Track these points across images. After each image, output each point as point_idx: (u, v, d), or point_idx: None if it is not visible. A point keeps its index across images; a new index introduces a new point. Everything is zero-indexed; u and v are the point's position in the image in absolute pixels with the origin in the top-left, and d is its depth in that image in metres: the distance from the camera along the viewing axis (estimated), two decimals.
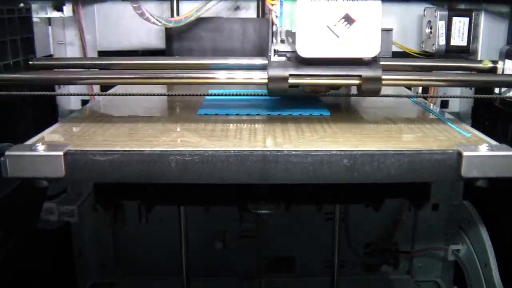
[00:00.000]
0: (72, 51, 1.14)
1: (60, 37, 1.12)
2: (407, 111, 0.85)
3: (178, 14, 1.06)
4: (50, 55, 1.09)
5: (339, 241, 1.10)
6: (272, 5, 0.68)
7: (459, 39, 1.00)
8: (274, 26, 0.71)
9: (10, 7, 0.87)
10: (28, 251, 0.94)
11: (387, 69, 0.68)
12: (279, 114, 0.77)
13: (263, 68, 0.70)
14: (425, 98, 1.00)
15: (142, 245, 1.26)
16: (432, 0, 1.06)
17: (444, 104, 1.15)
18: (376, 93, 0.67)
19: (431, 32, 1.03)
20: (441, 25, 1.00)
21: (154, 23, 0.89)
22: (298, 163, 0.59)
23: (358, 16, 0.64)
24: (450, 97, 1.11)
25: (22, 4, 0.91)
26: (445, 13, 0.99)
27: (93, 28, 1.14)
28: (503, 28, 0.93)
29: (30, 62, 0.90)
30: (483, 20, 0.99)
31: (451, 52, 1.01)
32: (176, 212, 1.03)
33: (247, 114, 0.77)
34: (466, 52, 1.01)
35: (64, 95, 1.11)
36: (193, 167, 0.59)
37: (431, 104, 0.89)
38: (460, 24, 1.00)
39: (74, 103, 1.17)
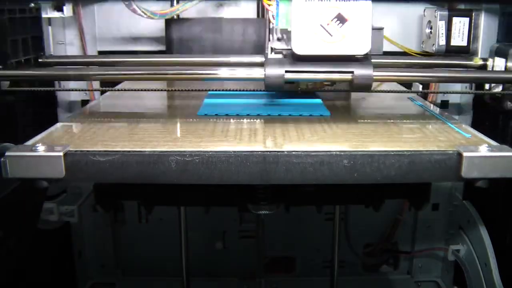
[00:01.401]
0: (72, 51, 1.14)
1: (60, 37, 1.12)
2: (407, 111, 0.85)
3: None
4: (50, 55, 1.09)
5: (339, 241, 1.10)
6: (269, 5, 0.71)
7: (459, 39, 1.00)
8: (271, 25, 0.74)
9: (22, 7, 0.91)
10: (28, 251, 0.94)
11: (382, 66, 0.70)
12: (279, 115, 0.77)
13: (261, 65, 0.73)
14: (424, 97, 1.00)
15: (142, 245, 1.26)
16: (432, 0, 1.06)
17: (444, 105, 1.15)
18: (367, 88, 0.70)
19: (431, 32, 1.03)
20: (441, 25, 1.00)
21: (140, 14, 0.92)
22: (298, 164, 0.59)
23: (350, 16, 0.66)
24: (447, 92, 1.11)
25: (33, 4, 0.94)
26: (445, 13, 0.99)
27: (93, 28, 1.14)
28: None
29: (40, 60, 0.94)
30: (483, 20, 0.99)
31: (451, 52, 1.01)
32: (176, 212, 1.03)
33: (247, 115, 0.77)
34: (466, 52, 1.01)
35: (67, 90, 1.12)
36: (193, 167, 0.59)
37: (431, 105, 0.89)
38: (460, 24, 1.00)
39: (74, 103, 1.17)
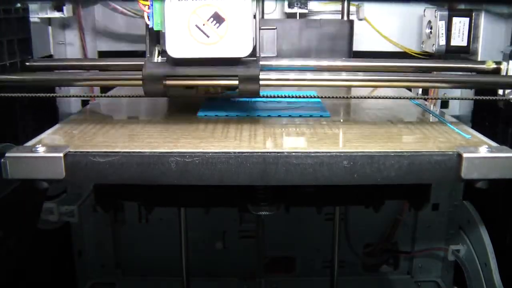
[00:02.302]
0: (72, 51, 1.14)
1: (60, 37, 1.12)
2: (407, 112, 0.85)
3: None
4: (50, 55, 1.09)
5: (339, 241, 1.10)
6: (144, 5, 0.66)
7: (459, 39, 1.00)
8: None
9: (6, 7, 0.86)
10: (28, 251, 0.94)
11: (388, 70, 0.68)
12: (279, 116, 0.77)
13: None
14: (425, 100, 1.00)
15: (142, 245, 1.26)
16: (432, 1, 1.06)
17: (444, 105, 1.15)
18: (255, 93, 0.66)
19: (431, 32, 1.03)
20: (441, 25, 1.00)
21: (132, 16, 0.91)
22: (298, 165, 0.59)
23: (227, 15, 0.62)
24: (451, 98, 1.11)
25: (19, 4, 0.90)
26: (445, 13, 0.99)
27: (93, 28, 1.14)
28: (503, 28, 0.93)
29: (27, 63, 0.89)
30: (483, 20, 0.99)
31: (451, 52, 1.01)
32: (176, 212, 1.03)
33: (247, 116, 0.77)
34: (466, 53, 1.01)
35: (63, 96, 1.10)
36: (193, 168, 0.59)
37: (431, 106, 0.88)
38: (460, 25, 1.00)
39: (74, 104, 1.17)
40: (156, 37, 0.69)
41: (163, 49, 0.68)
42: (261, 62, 0.67)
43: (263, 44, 0.97)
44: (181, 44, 0.63)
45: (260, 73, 0.65)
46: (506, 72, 0.84)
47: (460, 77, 0.79)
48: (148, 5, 0.65)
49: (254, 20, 0.66)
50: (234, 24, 0.62)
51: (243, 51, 0.63)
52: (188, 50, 0.63)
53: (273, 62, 0.79)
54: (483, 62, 0.86)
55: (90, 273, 1.29)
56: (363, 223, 1.22)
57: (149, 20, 0.66)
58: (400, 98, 0.90)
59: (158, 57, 0.69)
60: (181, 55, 0.63)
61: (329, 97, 0.81)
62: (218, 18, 0.62)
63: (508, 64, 0.84)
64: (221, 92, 0.74)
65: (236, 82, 0.65)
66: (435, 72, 0.88)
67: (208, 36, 0.63)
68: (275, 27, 0.83)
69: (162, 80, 0.65)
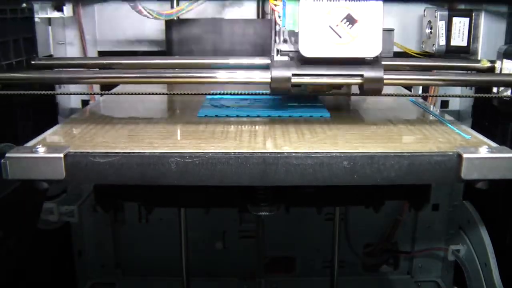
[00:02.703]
0: (72, 51, 1.14)
1: (60, 37, 1.12)
2: (407, 112, 0.85)
3: None
4: (50, 55, 1.09)
5: (339, 241, 1.10)
6: (275, 5, 0.68)
7: (459, 39, 1.00)
8: (277, 26, 0.71)
9: (13, 7, 0.88)
10: (28, 251, 0.94)
11: (388, 69, 0.69)
12: (279, 116, 0.77)
13: (264, 67, 0.70)
14: (425, 98, 1.00)
15: (142, 245, 1.26)
16: (432, 0, 1.06)
17: (444, 104, 1.15)
18: (378, 92, 0.68)
19: (431, 32, 1.03)
20: (441, 25, 1.00)
21: (145, 15, 0.91)
22: (298, 165, 0.59)
23: (360, 17, 0.64)
24: (450, 96, 1.11)
25: (24, 4, 0.91)
26: (445, 13, 0.99)
27: (93, 28, 1.14)
28: (503, 28, 0.93)
29: (32, 62, 0.90)
30: (483, 20, 0.99)
31: (451, 52, 1.01)
32: (176, 212, 1.03)
33: (247, 116, 0.77)
34: (466, 52, 1.00)
35: (64, 94, 1.11)
36: (193, 169, 0.59)
37: (431, 106, 0.88)
38: (460, 25, 1.00)
39: (74, 103, 1.17)
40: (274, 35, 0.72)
41: (280, 48, 0.71)
42: None
43: None
44: (314, 44, 0.65)
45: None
46: (500, 71, 0.85)
47: (459, 75, 0.80)
48: (278, 5, 0.68)
49: None
50: (366, 25, 0.64)
51: (373, 52, 0.65)
52: (320, 49, 0.65)
53: None
54: (478, 61, 0.88)
55: (90, 273, 1.29)
56: (363, 223, 1.22)
57: (279, 19, 0.68)
58: (400, 95, 0.90)
59: (277, 55, 0.71)
60: (314, 54, 0.65)
61: (329, 94, 0.82)
62: (351, 20, 0.64)
63: (502, 62, 0.86)
64: (327, 90, 0.77)
65: (360, 81, 0.67)
66: (435, 71, 0.88)
67: (340, 37, 0.65)
68: (393, 29, 0.87)
69: (290, 79, 0.67)
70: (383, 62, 0.68)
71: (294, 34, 0.69)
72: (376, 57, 0.67)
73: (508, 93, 0.82)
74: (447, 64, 0.89)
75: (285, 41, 0.71)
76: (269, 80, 0.67)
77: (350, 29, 0.64)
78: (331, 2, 0.64)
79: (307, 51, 0.65)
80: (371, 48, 0.65)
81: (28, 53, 0.92)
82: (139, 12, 0.90)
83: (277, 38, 0.72)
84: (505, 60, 0.85)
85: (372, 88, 0.67)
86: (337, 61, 0.66)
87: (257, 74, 0.70)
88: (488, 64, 0.87)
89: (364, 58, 0.66)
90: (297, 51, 0.66)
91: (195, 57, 1.00)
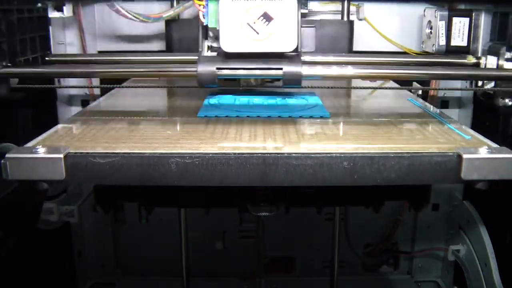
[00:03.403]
0: (72, 51, 1.14)
1: (60, 37, 1.13)
2: (407, 113, 0.85)
3: None
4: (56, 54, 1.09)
5: (339, 241, 1.10)
6: (200, 5, 0.74)
7: (459, 39, 1.00)
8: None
9: (30, 7, 0.94)
10: (28, 251, 0.94)
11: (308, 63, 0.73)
12: (279, 116, 0.77)
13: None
14: (425, 98, 1.00)
15: (142, 245, 1.26)
16: (432, 0, 1.06)
17: (444, 104, 1.15)
18: (298, 83, 0.72)
19: (431, 32, 1.03)
20: (441, 25, 1.00)
21: (131, 19, 0.94)
22: (298, 166, 0.59)
23: (275, 14, 0.69)
24: (447, 89, 1.12)
25: (40, 4, 0.97)
26: (445, 13, 0.99)
27: (93, 28, 1.14)
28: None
29: (47, 58, 0.99)
30: (483, 20, 0.99)
31: (451, 52, 1.01)
32: (176, 212, 1.04)
33: (247, 116, 0.77)
34: (466, 53, 1.00)
35: (79, 87, 1.16)
36: (193, 169, 0.59)
37: (431, 106, 0.89)
38: (460, 25, 1.00)
39: (74, 103, 1.17)
40: (205, 33, 0.78)
41: (211, 45, 0.77)
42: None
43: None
44: (234, 39, 0.70)
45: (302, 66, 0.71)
46: (485, 66, 0.91)
47: (443, 70, 0.83)
48: (203, 5, 0.73)
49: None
50: (282, 23, 0.70)
51: (289, 46, 0.70)
52: (240, 45, 0.70)
53: (310, 58, 0.89)
54: (464, 57, 0.95)
55: (90, 273, 1.29)
56: (363, 223, 1.22)
57: (204, 18, 0.74)
58: (399, 88, 0.92)
59: (207, 51, 0.77)
60: (234, 49, 0.70)
61: (328, 87, 0.83)
62: (267, 17, 0.70)
63: (486, 58, 0.91)
64: (260, 83, 0.86)
65: (281, 73, 0.71)
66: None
67: (258, 33, 0.70)
68: (314, 25, 0.94)
69: (215, 72, 0.71)
70: (303, 57, 0.73)
71: (217, 31, 0.73)
72: (297, 51, 0.71)
73: (491, 85, 0.87)
74: (434, 60, 0.94)
75: (216, 38, 0.75)
76: (195, 73, 0.71)
77: (267, 26, 0.70)
78: (249, 1, 0.69)
79: (228, 47, 0.70)
80: (287, 43, 0.70)
81: (43, 50, 0.99)
82: (116, 11, 0.93)
83: (208, 36, 0.78)
84: (489, 56, 0.90)
85: (291, 80, 0.71)
86: (258, 55, 0.71)
87: (186, 68, 0.74)
88: (474, 60, 0.93)
89: (283, 52, 0.71)
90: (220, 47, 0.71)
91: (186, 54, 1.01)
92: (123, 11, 0.92)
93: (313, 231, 1.24)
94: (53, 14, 1.02)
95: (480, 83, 0.90)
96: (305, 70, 0.71)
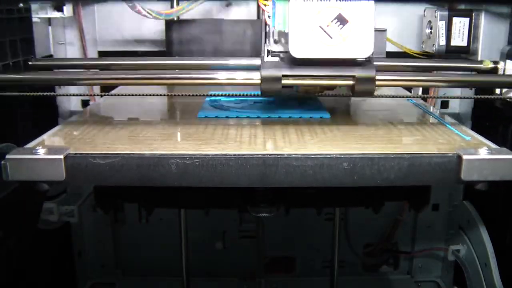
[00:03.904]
0: (72, 51, 1.14)
1: (60, 37, 1.13)
2: (407, 114, 0.85)
3: None
4: (50, 55, 1.09)
5: (339, 241, 1.10)
6: (265, 5, 0.67)
7: (459, 39, 1.00)
8: (267, 27, 0.70)
9: (9, 7, 0.87)
10: (28, 251, 0.94)
11: (385, 70, 0.68)
12: (279, 117, 0.77)
13: (255, 68, 0.69)
14: (424, 99, 0.99)
15: (142, 245, 1.26)
16: (432, 1, 1.05)
17: (444, 105, 1.15)
18: (370, 93, 0.66)
19: (431, 32, 1.03)
20: (441, 25, 1.00)
21: (145, 15, 0.91)
22: (298, 167, 0.59)
23: (351, 17, 0.63)
24: (450, 97, 1.11)
25: (21, 4, 0.91)
26: (445, 13, 0.99)
27: (93, 28, 1.14)
28: (503, 28, 0.93)
29: (30, 63, 0.89)
30: (483, 20, 0.99)
31: (451, 52, 1.01)
32: (176, 212, 1.04)
33: (247, 117, 0.77)
34: (466, 53, 1.00)
35: (64, 95, 1.11)
36: (193, 170, 0.59)
37: (431, 107, 0.88)
38: (460, 25, 1.00)
39: (74, 104, 1.17)
40: (265, 36, 0.71)
41: (270, 49, 0.70)
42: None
43: None
44: (304, 44, 0.63)
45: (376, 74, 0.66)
46: (504, 72, 0.85)
47: (457, 76, 0.79)
48: (268, 5, 0.66)
49: None
50: (357, 26, 0.63)
51: (364, 52, 0.64)
52: (310, 50, 0.63)
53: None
54: (481, 62, 0.87)
55: (90, 273, 1.29)
56: (363, 223, 1.22)
57: (270, 19, 0.66)
58: (399, 96, 0.90)
59: (268, 56, 0.70)
60: (304, 55, 0.64)
61: (331, 96, 0.81)
62: (342, 20, 0.63)
63: (505, 63, 0.85)
64: (319, 91, 0.74)
65: (352, 82, 0.65)
66: (435, 72, 0.88)
67: (331, 37, 0.63)
68: (385, 29, 0.86)
69: (280, 79, 0.65)
70: (375, 63, 0.66)
71: (284, 35, 0.68)
72: (368, 57, 0.65)
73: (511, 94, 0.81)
74: (448, 65, 0.89)
75: (276, 41, 0.70)
76: (259, 81, 0.66)
77: (341, 29, 0.63)
78: (322, 2, 0.63)
79: (297, 52, 0.64)
80: (363, 49, 0.64)
81: (26, 54, 0.90)
82: (138, 12, 0.89)
83: (268, 39, 0.71)
84: (508, 61, 0.85)
85: (363, 89, 0.66)
86: (328, 62, 0.65)
87: (249, 75, 0.68)
88: (491, 65, 0.86)
89: (356, 59, 0.65)
90: (288, 52, 0.65)
91: (191, 58, 0.98)
92: (144, 12, 0.89)
93: (313, 231, 1.24)
94: (53, 14, 1.02)
95: (498, 90, 0.84)
96: (380, 78, 0.66)
